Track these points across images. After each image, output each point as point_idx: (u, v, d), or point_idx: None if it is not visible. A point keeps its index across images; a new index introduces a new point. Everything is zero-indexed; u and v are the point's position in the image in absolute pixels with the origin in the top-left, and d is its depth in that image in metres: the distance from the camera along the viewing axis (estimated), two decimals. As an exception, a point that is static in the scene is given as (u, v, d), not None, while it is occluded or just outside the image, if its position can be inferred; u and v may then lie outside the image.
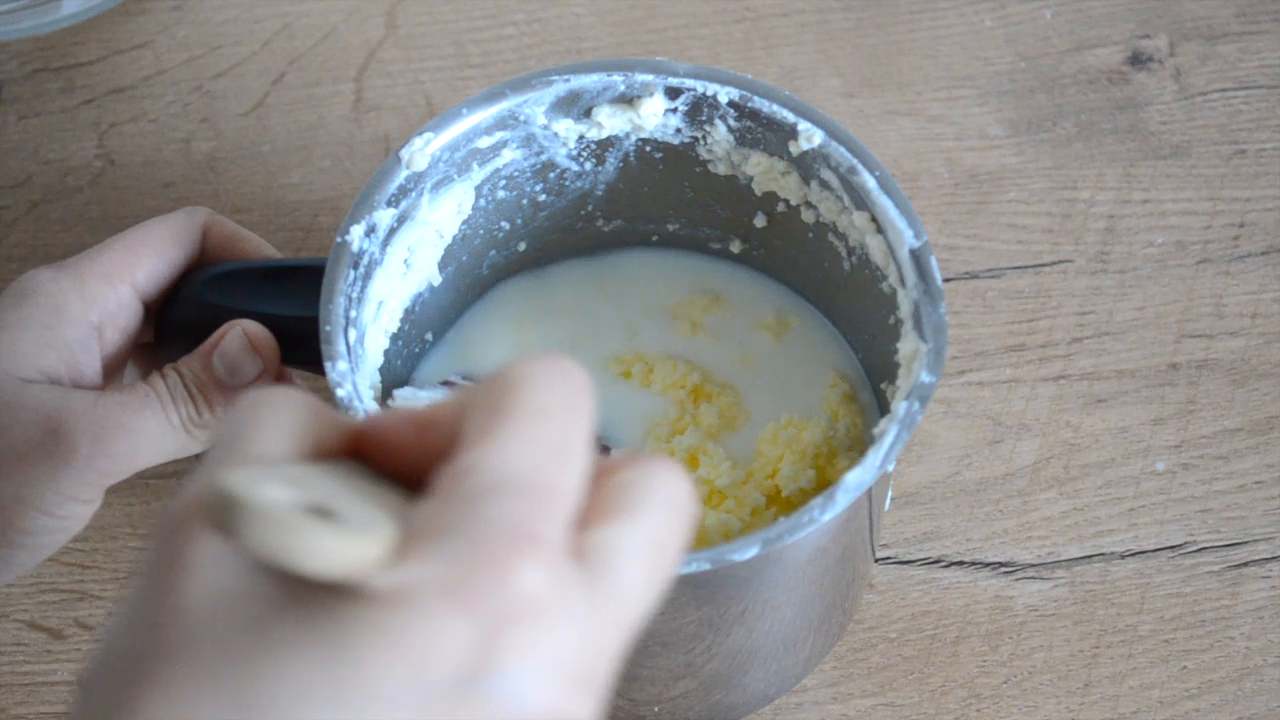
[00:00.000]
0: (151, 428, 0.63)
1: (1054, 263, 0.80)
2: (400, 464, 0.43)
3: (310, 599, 0.38)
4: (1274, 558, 0.74)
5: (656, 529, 0.42)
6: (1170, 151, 0.83)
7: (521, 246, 0.72)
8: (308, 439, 0.42)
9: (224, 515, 0.37)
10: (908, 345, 0.63)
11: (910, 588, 0.73)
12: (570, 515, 0.41)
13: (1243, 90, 0.85)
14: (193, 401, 0.64)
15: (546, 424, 0.41)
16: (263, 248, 0.68)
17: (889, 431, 0.60)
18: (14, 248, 0.81)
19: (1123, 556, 0.74)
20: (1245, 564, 0.74)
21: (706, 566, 0.58)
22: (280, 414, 0.42)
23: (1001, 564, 0.74)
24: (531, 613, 0.39)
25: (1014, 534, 0.75)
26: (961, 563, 0.74)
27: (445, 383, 0.70)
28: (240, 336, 0.64)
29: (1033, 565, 0.74)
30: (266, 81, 0.85)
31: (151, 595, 0.39)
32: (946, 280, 0.79)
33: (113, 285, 0.64)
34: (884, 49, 0.86)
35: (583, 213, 0.72)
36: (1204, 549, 0.74)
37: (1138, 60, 0.85)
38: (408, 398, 0.66)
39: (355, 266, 0.64)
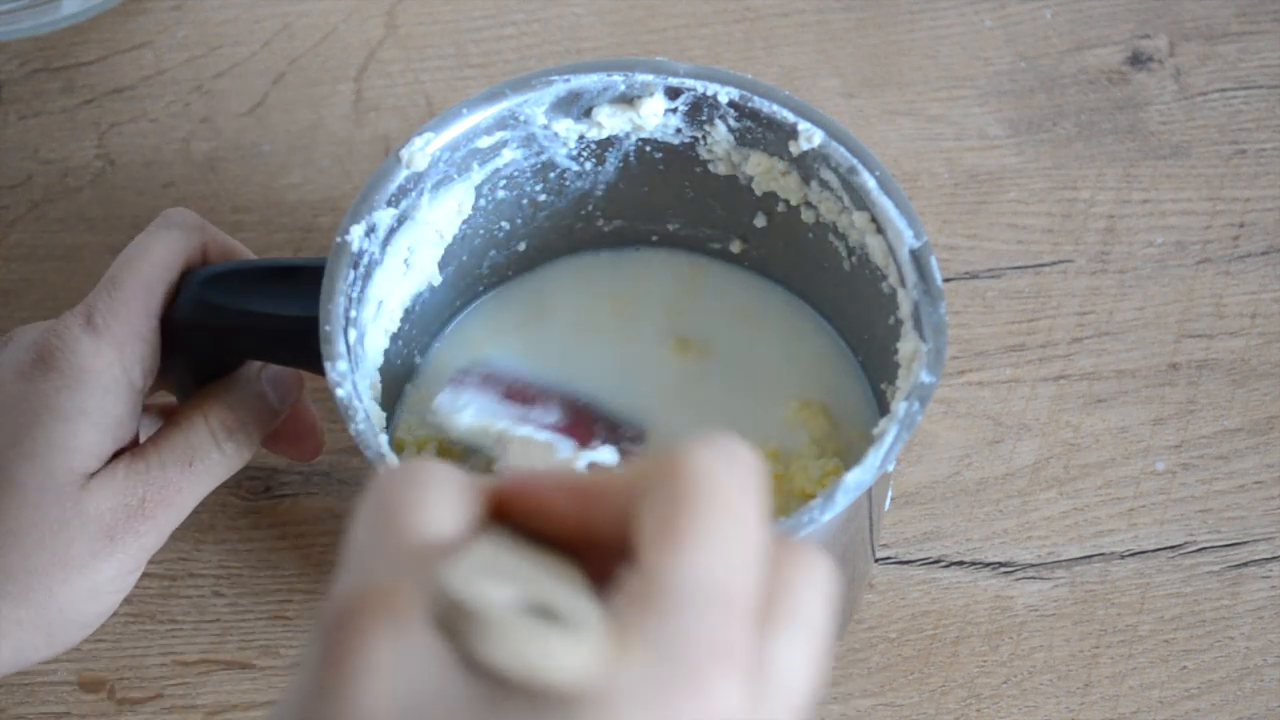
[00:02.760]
0: (199, 491, 0.64)
1: (1054, 263, 0.80)
2: (551, 529, 0.42)
3: (508, 702, 0.37)
4: (1274, 558, 0.74)
5: (817, 631, 0.42)
6: (1170, 151, 0.83)
7: (521, 246, 0.72)
8: (472, 512, 0.41)
9: (456, 623, 0.36)
10: (908, 345, 0.63)
11: (910, 588, 0.73)
12: (755, 616, 0.41)
13: (1243, 90, 0.85)
14: (234, 443, 0.65)
15: (732, 525, 0.40)
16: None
17: (889, 432, 0.60)
18: (14, 248, 0.81)
19: (1123, 556, 0.74)
20: (1245, 564, 0.74)
21: None
22: (439, 487, 0.41)
23: (1001, 564, 0.74)
24: None
25: (1014, 534, 0.75)
26: (961, 563, 0.74)
27: (458, 375, 0.69)
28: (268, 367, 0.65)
29: (1033, 565, 0.74)
30: (266, 81, 0.85)
31: (323, 695, 0.37)
32: (946, 280, 0.79)
33: (143, 338, 0.63)
34: (884, 49, 0.86)
35: (583, 213, 0.72)
36: (1204, 549, 0.74)
37: (1138, 60, 0.85)
38: (447, 405, 0.64)
39: (355, 266, 0.64)
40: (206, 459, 0.64)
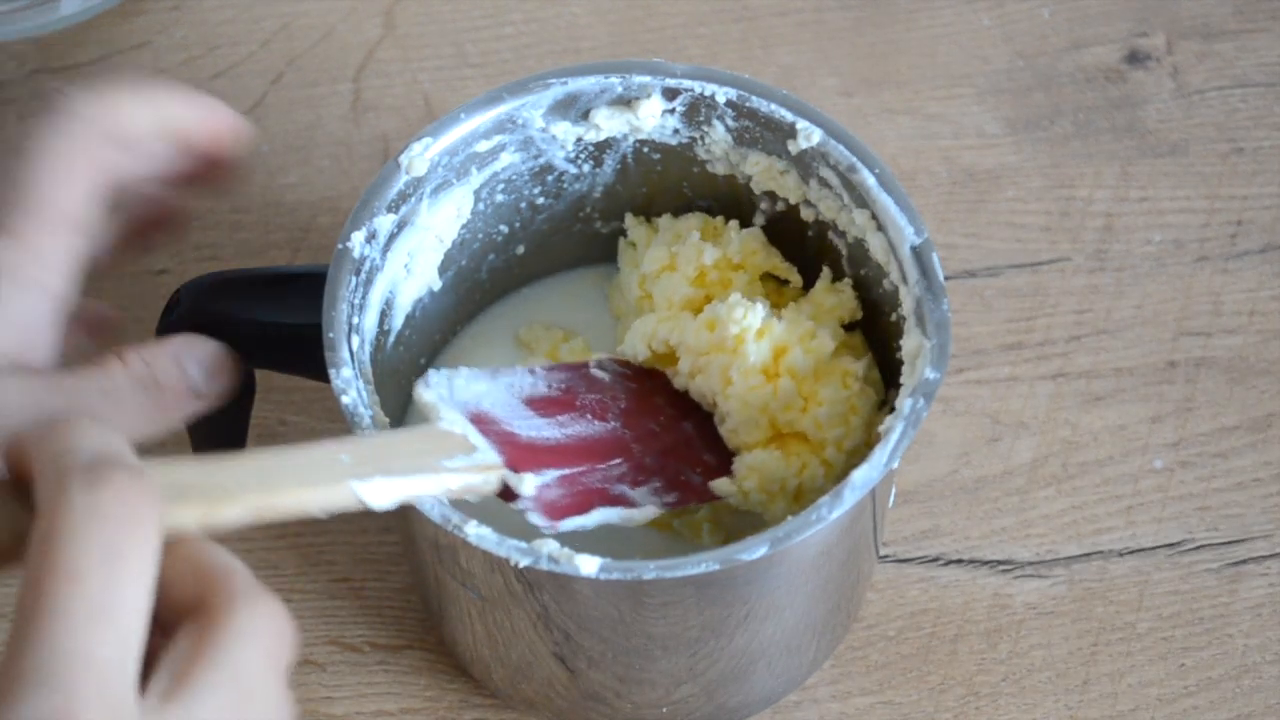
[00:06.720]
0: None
1: (1052, 261, 0.80)
2: None
3: None
4: (1272, 555, 0.74)
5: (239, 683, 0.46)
6: (1168, 149, 0.83)
7: (520, 250, 0.72)
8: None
9: None
10: (911, 342, 0.63)
11: (909, 586, 0.74)
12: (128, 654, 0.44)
13: (1240, 88, 0.85)
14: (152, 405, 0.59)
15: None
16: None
17: (895, 428, 0.60)
18: (14, 248, 0.81)
19: (1121, 554, 0.74)
20: (1243, 561, 0.74)
21: (715, 567, 0.57)
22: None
23: (1000, 562, 0.74)
24: None
25: (1012, 532, 0.75)
26: (960, 561, 0.74)
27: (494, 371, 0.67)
28: (208, 344, 0.61)
29: (1031, 563, 0.74)
30: (265, 81, 0.85)
31: None
32: (944, 279, 0.79)
33: (65, 244, 0.57)
34: (882, 48, 0.86)
35: (581, 215, 0.72)
36: (1202, 547, 0.75)
37: (1135, 58, 0.86)
38: (427, 379, 0.63)
39: (357, 273, 0.64)
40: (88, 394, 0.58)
